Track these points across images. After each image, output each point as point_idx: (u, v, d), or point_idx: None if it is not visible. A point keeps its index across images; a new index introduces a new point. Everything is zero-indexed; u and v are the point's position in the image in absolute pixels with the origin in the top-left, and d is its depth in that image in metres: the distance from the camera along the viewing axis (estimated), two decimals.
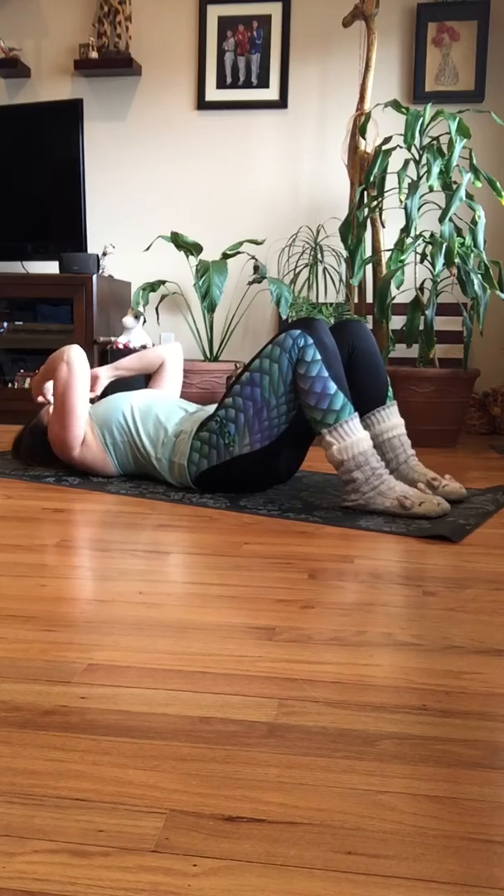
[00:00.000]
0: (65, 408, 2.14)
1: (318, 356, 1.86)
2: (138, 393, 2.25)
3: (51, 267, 3.81)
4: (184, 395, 3.38)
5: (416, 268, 3.23)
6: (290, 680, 0.95)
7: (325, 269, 3.69)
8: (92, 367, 2.48)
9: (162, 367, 2.49)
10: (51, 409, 2.30)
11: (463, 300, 3.51)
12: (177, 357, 2.51)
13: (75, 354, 2.14)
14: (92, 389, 2.34)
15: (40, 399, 2.34)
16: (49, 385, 2.31)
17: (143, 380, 3.00)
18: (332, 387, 1.84)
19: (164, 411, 2.15)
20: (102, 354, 3.54)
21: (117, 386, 2.68)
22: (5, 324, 3.65)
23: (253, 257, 3.63)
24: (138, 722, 0.84)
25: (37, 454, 2.32)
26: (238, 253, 3.52)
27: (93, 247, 3.95)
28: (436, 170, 2.82)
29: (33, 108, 3.73)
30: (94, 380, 2.36)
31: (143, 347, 2.37)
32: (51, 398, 2.29)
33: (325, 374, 1.85)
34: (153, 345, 2.41)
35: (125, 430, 2.15)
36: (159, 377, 2.49)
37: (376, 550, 1.56)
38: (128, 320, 3.40)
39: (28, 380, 3.63)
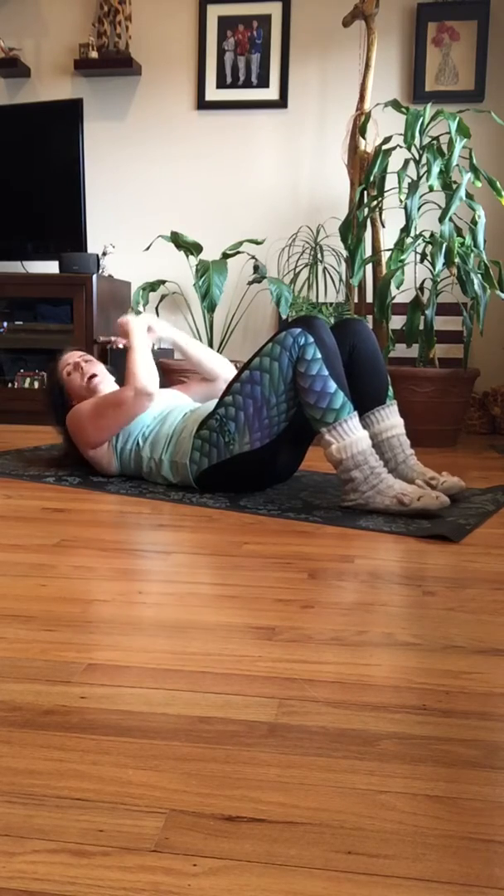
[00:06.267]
0: (106, 420, 2.13)
1: (319, 355, 1.86)
2: (159, 399, 2.24)
3: (51, 267, 3.81)
4: None
5: (416, 268, 3.23)
6: (290, 680, 0.95)
7: (325, 268, 3.69)
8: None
9: (214, 382, 2.41)
10: (85, 360, 2.33)
11: (463, 300, 3.50)
12: (227, 380, 2.44)
13: (150, 396, 2.11)
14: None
15: (115, 334, 2.27)
16: (123, 327, 2.26)
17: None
18: (332, 386, 1.84)
19: (172, 415, 2.15)
20: (102, 354, 3.54)
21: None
22: (5, 324, 3.65)
23: (253, 257, 3.63)
24: (138, 722, 0.83)
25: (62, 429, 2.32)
26: (238, 253, 3.52)
27: (93, 247, 3.95)
28: (436, 170, 2.82)
29: (33, 108, 3.73)
30: (150, 331, 2.31)
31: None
32: (119, 344, 2.23)
33: (325, 372, 1.85)
34: (155, 347, 2.39)
35: (136, 441, 2.15)
36: (202, 387, 2.43)
37: (376, 550, 1.56)
38: None
39: (28, 379, 3.63)
